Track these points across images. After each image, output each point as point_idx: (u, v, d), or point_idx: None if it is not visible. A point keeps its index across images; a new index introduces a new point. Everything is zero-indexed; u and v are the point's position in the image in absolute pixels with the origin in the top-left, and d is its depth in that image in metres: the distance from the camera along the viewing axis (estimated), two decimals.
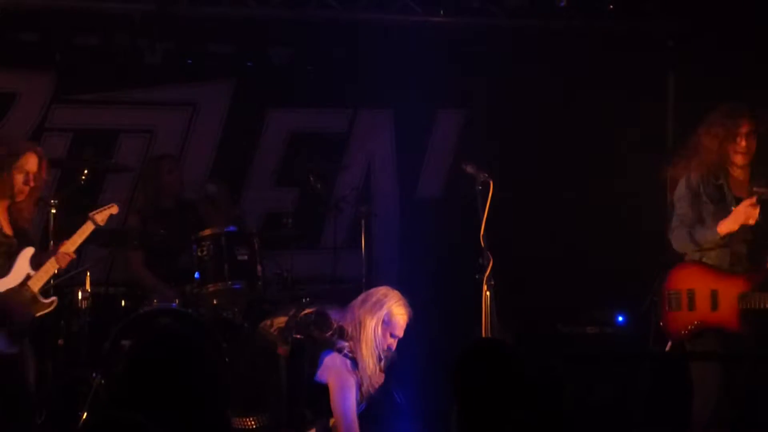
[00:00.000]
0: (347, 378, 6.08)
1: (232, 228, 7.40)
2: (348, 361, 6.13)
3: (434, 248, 8.44)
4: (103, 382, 6.80)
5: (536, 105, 8.58)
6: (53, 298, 6.34)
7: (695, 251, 6.00)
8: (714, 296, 5.82)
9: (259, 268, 7.35)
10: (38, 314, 6.23)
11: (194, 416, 3.43)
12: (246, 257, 7.32)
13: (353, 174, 8.75)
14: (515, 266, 7.95)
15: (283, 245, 7.89)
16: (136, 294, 7.45)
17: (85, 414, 6.74)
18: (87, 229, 6.51)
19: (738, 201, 5.94)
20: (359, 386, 6.16)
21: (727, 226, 5.82)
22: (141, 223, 7.76)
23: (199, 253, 7.30)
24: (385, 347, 6.21)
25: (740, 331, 5.73)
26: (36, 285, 6.21)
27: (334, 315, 6.13)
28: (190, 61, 8.37)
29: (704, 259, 5.90)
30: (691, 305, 5.85)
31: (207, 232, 7.36)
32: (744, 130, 5.96)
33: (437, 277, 8.24)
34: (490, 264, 6.33)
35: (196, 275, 7.30)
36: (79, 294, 7.11)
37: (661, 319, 5.96)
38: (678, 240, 6.04)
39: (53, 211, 6.81)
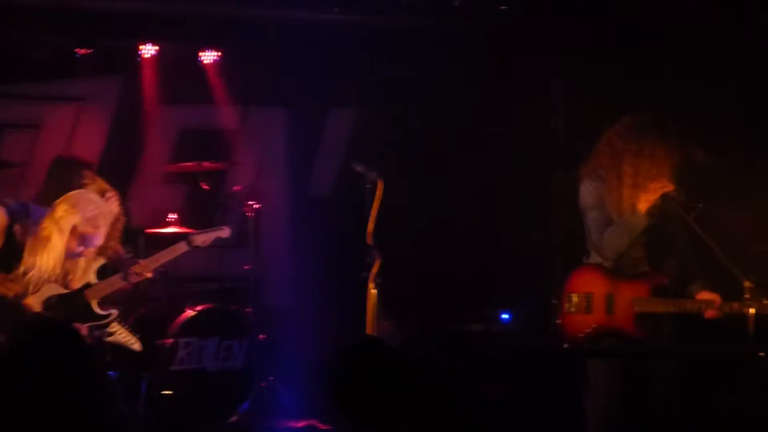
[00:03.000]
0: None
1: None
2: None
3: (325, 247, 8.42)
4: None
5: (427, 105, 8.61)
6: (112, 311, 6.08)
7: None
8: (610, 300, 5.82)
9: None
10: (86, 325, 5.97)
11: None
12: (131, 255, 7.22)
13: (243, 171, 8.68)
14: (404, 265, 8.01)
15: (169, 243, 7.78)
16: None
17: None
18: (178, 249, 6.35)
19: (638, 215, 5.82)
20: None
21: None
22: None
23: None
24: None
25: (636, 334, 5.75)
26: (94, 296, 5.99)
27: None
28: (78, 56, 8.21)
29: (604, 264, 5.93)
30: (589, 308, 5.84)
31: None
32: (637, 148, 5.79)
33: (328, 276, 8.22)
34: (377, 263, 6.34)
35: None
36: None
37: (559, 320, 5.97)
38: (609, 240, 5.84)
39: None
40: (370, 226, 6.37)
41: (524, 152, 8.67)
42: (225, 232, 6.58)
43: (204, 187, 7.91)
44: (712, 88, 7.82)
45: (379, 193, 6.40)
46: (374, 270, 6.37)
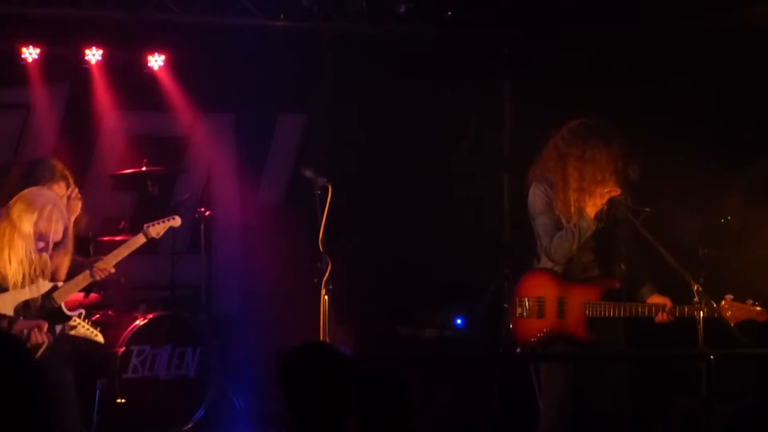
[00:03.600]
0: None
1: None
2: None
3: (276, 253, 8.41)
4: None
5: (375, 110, 8.63)
6: (80, 311, 5.96)
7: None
8: (561, 304, 5.84)
9: None
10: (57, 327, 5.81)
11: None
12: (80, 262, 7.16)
13: (193, 178, 8.64)
14: (356, 270, 8.03)
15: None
16: None
17: None
18: (136, 242, 6.27)
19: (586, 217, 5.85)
20: None
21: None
22: None
23: None
24: None
25: (586, 339, 5.77)
26: (62, 297, 5.86)
27: None
28: (23, 63, 8.13)
29: (555, 268, 5.98)
30: (541, 313, 5.85)
31: None
32: (580, 152, 5.85)
33: (279, 282, 8.21)
34: (329, 268, 6.35)
35: None
36: None
37: (511, 325, 6.00)
38: (558, 245, 5.85)
39: None
40: (321, 232, 6.38)
41: (473, 156, 8.74)
42: (177, 221, 6.52)
43: (152, 192, 7.85)
44: (662, 94, 7.92)
45: (329, 199, 6.40)
46: (326, 276, 6.39)
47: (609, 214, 5.86)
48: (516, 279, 6.10)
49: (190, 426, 7.23)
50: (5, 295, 5.58)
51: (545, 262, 5.90)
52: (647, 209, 5.99)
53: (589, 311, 5.78)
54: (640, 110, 7.90)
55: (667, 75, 8.10)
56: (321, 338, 6.29)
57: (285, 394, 3.67)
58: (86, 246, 7.23)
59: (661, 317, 5.74)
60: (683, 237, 7.11)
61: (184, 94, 8.55)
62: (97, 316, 7.39)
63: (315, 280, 6.36)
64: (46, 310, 5.77)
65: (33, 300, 5.71)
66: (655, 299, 5.80)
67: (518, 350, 5.97)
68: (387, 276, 8.49)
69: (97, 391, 7.00)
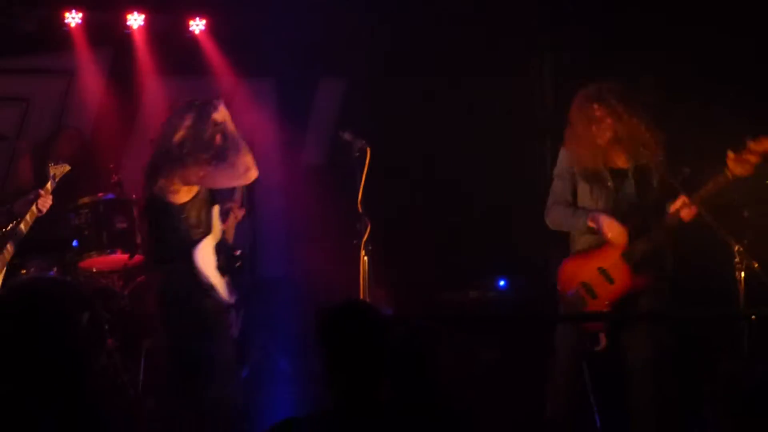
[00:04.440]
0: None
1: (110, 195, 7.33)
2: None
3: (318, 215, 8.45)
4: None
5: (416, 76, 8.61)
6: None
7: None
8: (604, 273, 5.89)
9: (138, 235, 7.29)
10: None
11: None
12: (125, 225, 7.27)
13: None
14: (396, 233, 8.06)
15: None
16: (14, 262, 7.31)
17: None
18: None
19: (613, 174, 5.98)
20: None
21: (596, 223, 5.89)
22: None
23: (77, 221, 7.22)
24: None
25: (641, 285, 5.82)
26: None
27: None
28: (66, 29, 8.21)
29: (575, 248, 6.01)
30: (593, 294, 5.91)
31: (85, 199, 7.28)
32: (598, 114, 5.94)
33: (322, 243, 8.26)
34: (368, 230, 6.38)
35: (75, 243, 7.22)
36: None
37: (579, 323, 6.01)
38: (554, 218, 6.09)
39: None
40: (360, 194, 6.41)
41: (515, 123, 8.70)
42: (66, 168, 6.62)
43: None
44: (707, 55, 7.82)
45: (367, 161, 6.42)
46: (365, 237, 6.42)
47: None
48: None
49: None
50: None
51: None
52: (687, 169, 5.99)
53: (629, 260, 5.81)
54: (689, 70, 7.80)
55: (715, 34, 7.99)
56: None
57: (322, 352, 3.69)
58: (130, 208, 7.32)
59: (686, 213, 5.74)
60: (726, 199, 7.05)
61: (225, 58, 8.60)
62: (143, 278, 7.49)
63: (354, 242, 6.38)
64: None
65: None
66: (674, 204, 5.78)
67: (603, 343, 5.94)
68: (431, 238, 8.50)
69: (143, 352, 7.07)
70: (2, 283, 6.95)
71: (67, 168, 6.54)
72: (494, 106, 8.54)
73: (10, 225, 6.31)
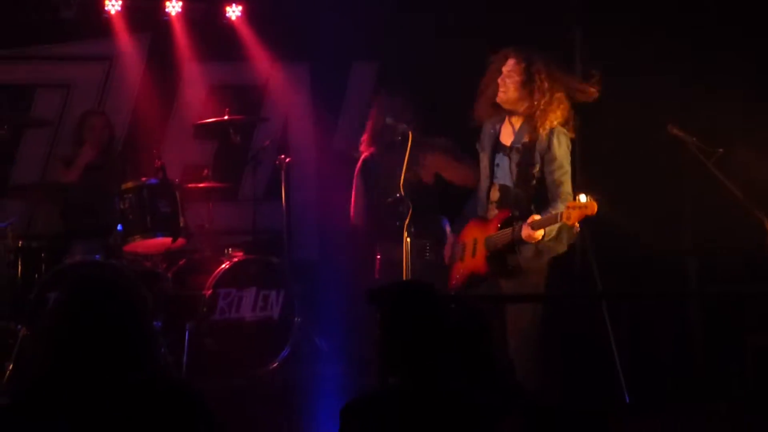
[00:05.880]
0: None
1: (153, 180, 7.46)
2: None
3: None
4: (28, 334, 6.83)
5: (449, 57, 8.68)
6: None
7: None
8: (474, 246, 5.94)
9: (181, 219, 7.44)
10: None
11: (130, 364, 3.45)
12: (168, 209, 7.39)
13: (271, 126, 8.82)
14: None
15: (203, 197, 7.98)
16: (58, 247, 7.48)
17: (12, 366, 6.79)
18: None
19: (503, 149, 5.92)
20: None
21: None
22: (68, 176, 7.78)
23: (122, 206, 7.35)
24: None
25: (484, 274, 5.81)
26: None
27: None
28: (106, 15, 8.35)
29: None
30: (462, 257, 6.01)
31: (129, 184, 7.40)
32: (506, 68, 5.90)
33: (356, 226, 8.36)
34: (410, 212, 6.47)
35: (119, 227, 7.36)
36: (2, 247, 7.15)
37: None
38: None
39: None
40: (402, 177, 6.50)
41: None
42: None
43: (234, 140, 8.04)
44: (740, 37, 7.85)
45: (409, 144, 6.51)
46: (407, 219, 6.51)
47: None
48: None
49: (276, 365, 7.43)
50: None
51: (558, 208, 5.70)
52: (719, 150, 6.06)
53: (488, 246, 5.81)
54: (720, 49, 7.82)
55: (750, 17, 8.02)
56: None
57: (381, 332, 3.72)
58: (173, 192, 7.46)
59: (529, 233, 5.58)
60: (757, 178, 7.14)
61: (260, 43, 8.72)
62: (184, 261, 7.65)
63: (397, 224, 6.48)
64: None
65: None
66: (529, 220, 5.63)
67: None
68: None
69: (186, 333, 7.21)
70: (49, 268, 7.14)
71: None
72: None
73: None
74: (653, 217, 7.28)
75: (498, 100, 5.95)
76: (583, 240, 6.64)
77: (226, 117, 7.97)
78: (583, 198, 5.35)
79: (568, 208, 5.44)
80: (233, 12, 8.65)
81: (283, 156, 8.06)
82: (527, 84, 5.83)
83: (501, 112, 6.02)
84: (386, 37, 8.77)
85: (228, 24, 8.68)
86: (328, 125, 9.05)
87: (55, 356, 3.37)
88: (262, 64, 8.82)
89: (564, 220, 5.43)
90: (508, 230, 5.78)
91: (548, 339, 5.95)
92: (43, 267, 7.22)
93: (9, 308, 7.07)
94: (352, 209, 7.32)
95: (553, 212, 5.57)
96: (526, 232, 5.64)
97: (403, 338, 3.65)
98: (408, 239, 6.44)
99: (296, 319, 7.62)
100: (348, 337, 7.45)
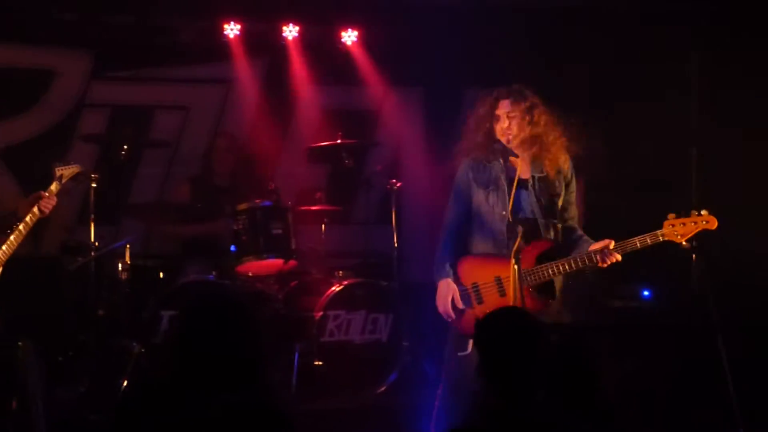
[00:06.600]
0: None
1: (267, 202, 7.57)
2: None
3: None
4: (143, 351, 6.98)
5: (560, 83, 8.65)
6: None
7: None
8: (500, 283, 5.79)
9: (293, 241, 7.54)
10: None
11: (243, 384, 3.53)
12: (281, 231, 7.50)
13: (383, 150, 8.90)
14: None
15: (315, 220, 8.07)
16: (173, 266, 7.64)
17: (126, 382, 6.94)
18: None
19: (522, 183, 5.88)
20: None
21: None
22: (191, 197, 7.94)
23: (235, 227, 7.49)
24: None
25: (533, 309, 5.54)
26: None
27: None
28: (225, 39, 8.52)
29: (474, 250, 5.96)
30: (480, 299, 5.82)
31: (243, 206, 7.53)
32: (501, 111, 5.93)
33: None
34: (519, 238, 6.43)
35: (232, 248, 7.49)
36: (119, 266, 7.33)
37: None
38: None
39: (93, 185, 7.06)
40: (511, 203, 6.47)
41: (657, 127, 8.67)
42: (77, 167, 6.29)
43: (347, 164, 8.11)
44: None
45: (518, 171, 6.47)
46: (516, 245, 6.47)
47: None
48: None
49: (384, 388, 7.48)
50: None
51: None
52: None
53: (529, 279, 5.65)
54: None
55: None
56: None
57: (481, 359, 3.76)
58: (285, 215, 7.56)
59: (610, 258, 5.48)
60: None
61: (375, 68, 8.81)
62: (295, 282, 7.74)
63: (504, 251, 6.45)
64: None
65: None
66: (597, 245, 5.55)
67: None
68: None
69: (296, 354, 7.30)
70: (163, 287, 7.28)
71: (77, 169, 6.30)
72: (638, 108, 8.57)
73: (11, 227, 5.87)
74: None
75: (503, 139, 5.93)
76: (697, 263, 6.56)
77: (338, 141, 8.05)
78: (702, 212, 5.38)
79: (672, 226, 5.37)
80: (349, 37, 8.75)
81: (394, 180, 8.10)
82: (530, 122, 5.87)
83: (495, 149, 5.95)
84: (501, 62, 8.77)
85: (343, 48, 8.77)
86: (440, 150, 9.05)
87: (166, 375, 3.48)
88: (376, 88, 8.91)
89: (668, 237, 5.40)
90: (564, 260, 5.66)
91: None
92: (157, 286, 7.37)
93: (124, 326, 7.23)
94: None
95: (648, 235, 5.47)
96: (613, 258, 5.51)
97: (507, 368, 3.68)
98: (515, 266, 6.41)
99: (404, 343, 7.63)
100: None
